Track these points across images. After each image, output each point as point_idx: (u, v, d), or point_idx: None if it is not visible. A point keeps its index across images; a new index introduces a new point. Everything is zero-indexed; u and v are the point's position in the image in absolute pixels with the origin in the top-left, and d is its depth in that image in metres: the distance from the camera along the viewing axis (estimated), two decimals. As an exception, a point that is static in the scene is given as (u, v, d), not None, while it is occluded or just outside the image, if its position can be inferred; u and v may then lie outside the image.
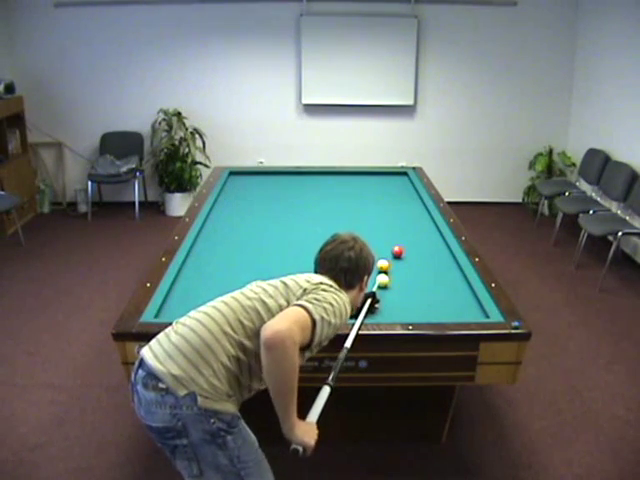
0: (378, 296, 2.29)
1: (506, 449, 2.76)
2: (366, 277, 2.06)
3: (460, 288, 2.63)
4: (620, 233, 4.46)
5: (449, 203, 3.80)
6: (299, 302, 1.74)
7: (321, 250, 2.05)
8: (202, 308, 1.82)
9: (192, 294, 2.54)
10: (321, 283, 1.87)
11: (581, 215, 4.84)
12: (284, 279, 1.91)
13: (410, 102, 6.22)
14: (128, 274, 4.66)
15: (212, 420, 1.64)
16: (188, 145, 6.07)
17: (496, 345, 2.22)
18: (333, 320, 1.75)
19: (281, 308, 1.76)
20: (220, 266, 2.90)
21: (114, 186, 6.34)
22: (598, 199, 5.32)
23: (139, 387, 1.69)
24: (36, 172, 6.33)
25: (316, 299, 1.76)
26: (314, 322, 1.69)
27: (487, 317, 2.32)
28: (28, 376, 3.34)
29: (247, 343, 1.71)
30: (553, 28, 6.08)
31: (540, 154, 6.20)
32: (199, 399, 1.63)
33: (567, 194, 5.44)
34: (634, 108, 5.00)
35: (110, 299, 4.24)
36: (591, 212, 4.91)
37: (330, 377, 1.77)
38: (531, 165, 6.28)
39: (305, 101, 6.22)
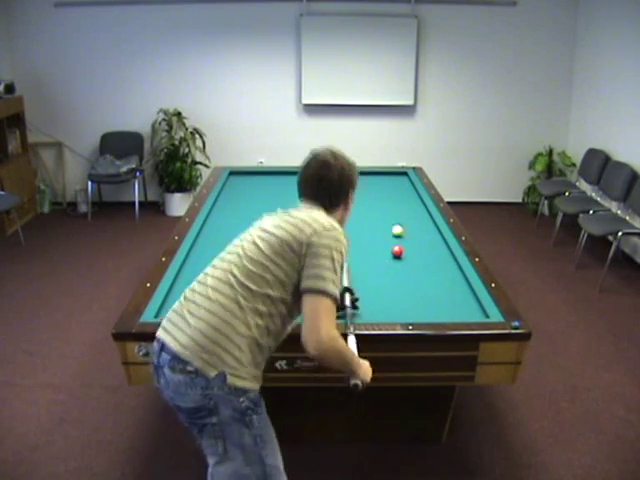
0: (355, 293, 2.27)
1: (506, 449, 2.76)
2: (351, 192, 2.02)
3: (460, 288, 2.63)
4: (620, 233, 4.46)
5: (449, 203, 3.80)
6: (309, 286, 1.71)
7: (302, 174, 1.98)
8: (209, 282, 1.79)
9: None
10: (314, 233, 1.77)
11: (581, 215, 4.84)
12: (275, 232, 1.81)
13: (410, 102, 6.22)
14: (128, 274, 4.66)
15: (241, 399, 1.69)
16: (188, 145, 6.07)
17: (496, 345, 2.21)
18: (339, 272, 1.76)
19: (286, 275, 1.75)
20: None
21: (114, 186, 6.35)
22: (598, 199, 5.32)
23: (166, 370, 1.71)
24: (36, 172, 6.33)
25: (319, 273, 1.71)
26: (334, 297, 1.71)
27: (487, 317, 2.32)
28: (28, 376, 3.34)
29: (261, 307, 1.73)
30: (553, 28, 6.08)
31: (540, 154, 6.20)
32: (228, 378, 1.66)
33: (567, 194, 5.44)
34: (634, 108, 5.00)
35: (110, 299, 4.24)
36: (591, 212, 4.91)
37: (350, 328, 1.97)
38: (531, 165, 6.29)
39: (305, 101, 6.22)
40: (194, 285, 1.84)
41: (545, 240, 5.51)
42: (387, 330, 2.19)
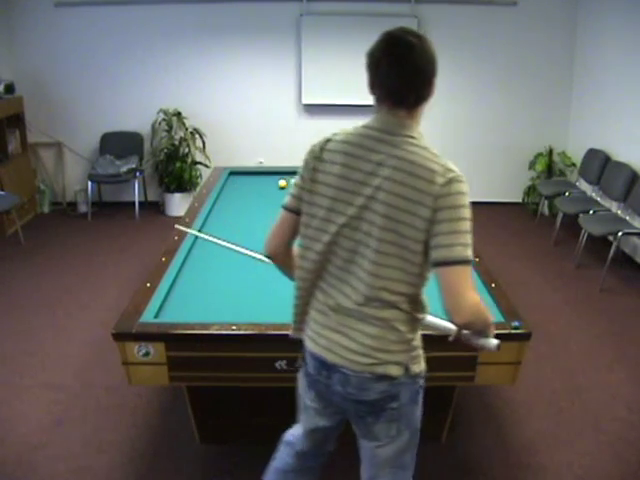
0: None
1: (506, 449, 2.76)
2: (434, 79, 1.55)
3: (460, 288, 2.62)
4: (620, 233, 4.46)
5: (449, 203, 3.79)
6: (442, 259, 1.56)
7: (376, 62, 1.51)
8: (354, 297, 1.61)
9: (192, 294, 2.55)
10: (438, 196, 1.59)
11: (581, 215, 4.84)
12: (391, 215, 1.55)
13: (410, 102, 6.21)
14: (128, 274, 4.66)
15: (417, 380, 1.72)
16: (188, 145, 6.07)
17: (496, 345, 2.21)
18: (469, 227, 1.62)
19: (423, 251, 1.59)
20: (220, 266, 2.90)
21: (114, 186, 6.35)
22: (598, 199, 5.32)
23: (344, 370, 1.65)
24: (36, 172, 6.33)
25: (453, 242, 1.55)
26: (469, 261, 1.57)
27: (487, 317, 2.32)
28: (28, 376, 3.34)
29: (412, 292, 1.67)
30: (553, 28, 6.08)
31: (540, 154, 6.20)
32: (410, 368, 1.67)
33: (567, 194, 5.44)
34: (634, 108, 5.00)
35: (110, 299, 4.24)
36: (591, 212, 4.91)
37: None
38: (531, 165, 6.28)
39: (305, 101, 6.22)
40: (334, 298, 1.66)
41: (545, 240, 5.51)
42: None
